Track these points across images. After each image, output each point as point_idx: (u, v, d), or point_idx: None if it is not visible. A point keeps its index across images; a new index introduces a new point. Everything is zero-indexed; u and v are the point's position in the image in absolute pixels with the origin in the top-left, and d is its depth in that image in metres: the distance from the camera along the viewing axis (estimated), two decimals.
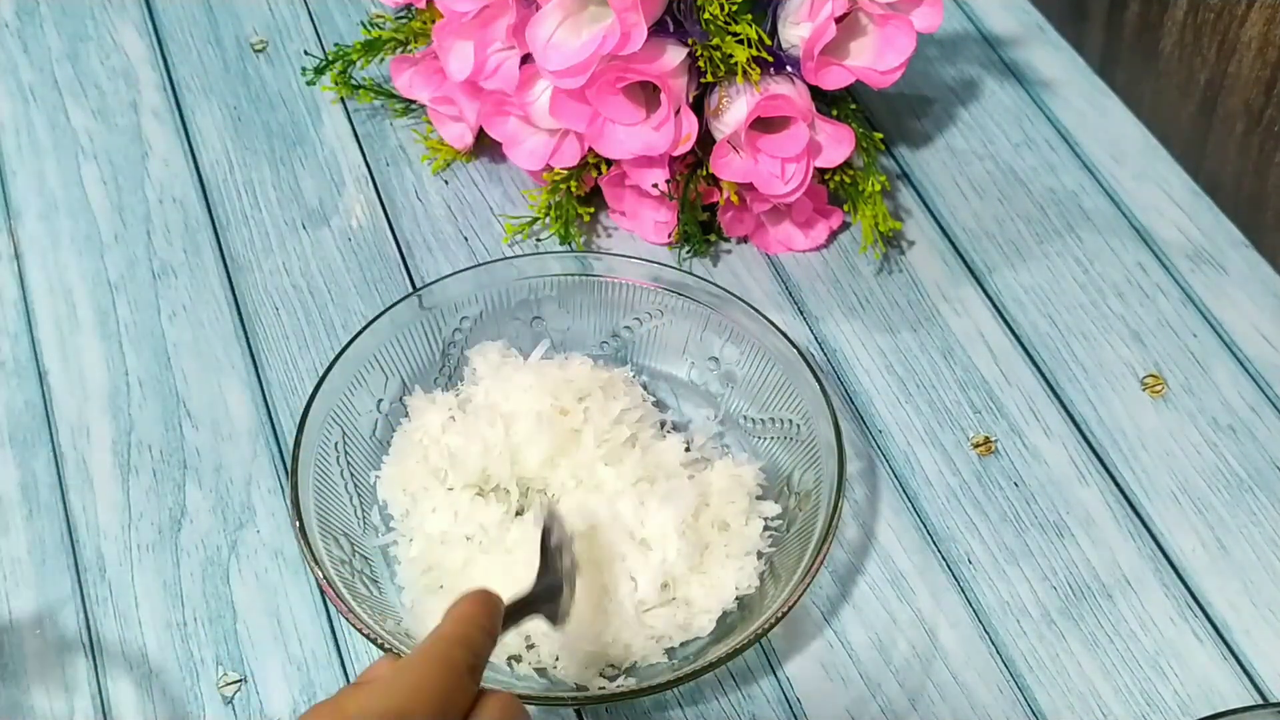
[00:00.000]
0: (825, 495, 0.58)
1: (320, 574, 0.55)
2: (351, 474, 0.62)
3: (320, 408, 0.60)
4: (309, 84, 0.80)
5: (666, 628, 0.58)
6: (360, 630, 0.54)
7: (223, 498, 0.65)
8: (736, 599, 0.59)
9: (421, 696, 0.40)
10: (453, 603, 0.45)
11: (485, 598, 0.45)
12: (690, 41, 0.66)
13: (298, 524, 0.56)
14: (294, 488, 0.57)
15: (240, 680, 0.59)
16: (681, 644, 0.59)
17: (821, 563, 0.55)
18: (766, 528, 0.61)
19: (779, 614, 0.54)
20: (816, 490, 0.59)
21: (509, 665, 0.58)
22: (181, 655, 0.60)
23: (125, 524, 0.64)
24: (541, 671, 0.58)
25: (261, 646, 0.60)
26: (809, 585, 0.55)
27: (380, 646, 0.54)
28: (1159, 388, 0.68)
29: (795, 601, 0.54)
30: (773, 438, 0.64)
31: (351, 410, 0.62)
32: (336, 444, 0.61)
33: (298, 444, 0.58)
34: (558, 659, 0.57)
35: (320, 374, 0.61)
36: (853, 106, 0.72)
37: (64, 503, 0.65)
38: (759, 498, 0.62)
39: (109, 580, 0.62)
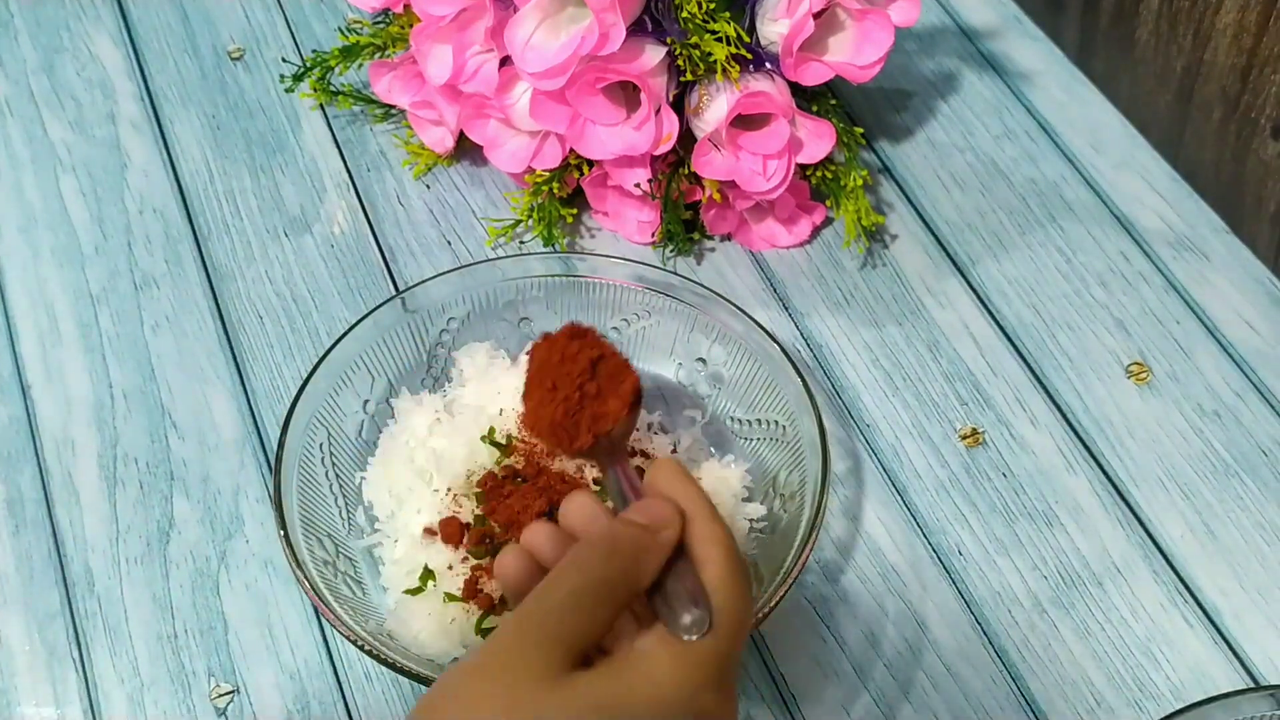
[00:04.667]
0: (810, 496, 0.58)
1: (301, 574, 0.55)
2: (337, 475, 0.62)
3: (304, 409, 0.60)
4: (288, 91, 0.80)
5: None
6: (340, 631, 0.54)
7: (210, 508, 0.64)
8: None
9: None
10: (665, 477, 0.44)
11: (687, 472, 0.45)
12: (669, 40, 0.66)
13: (280, 524, 0.56)
14: (277, 489, 0.57)
15: (232, 691, 0.59)
16: None
17: (804, 565, 0.55)
18: (751, 530, 0.61)
19: (761, 614, 0.54)
20: (801, 491, 0.59)
21: None
22: (173, 667, 0.60)
23: (113, 537, 0.63)
24: None
25: (253, 657, 0.60)
26: (790, 587, 0.55)
27: (360, 648, 0.54)
28: (1144, 375, 0.69)
29: (776, 604, 0.54)
30: (759, 439, 0.64)
31: (337, 412, 0.62)
32: (321, 445, 0.61)
33: (281, 445, 0.58)
34: None
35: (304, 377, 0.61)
36: (832, 102, 0.72)
37: (50, 517, 0.64)
38: (745, 499, 0.62)
39: (98, 594, 0.62)
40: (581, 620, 0.40)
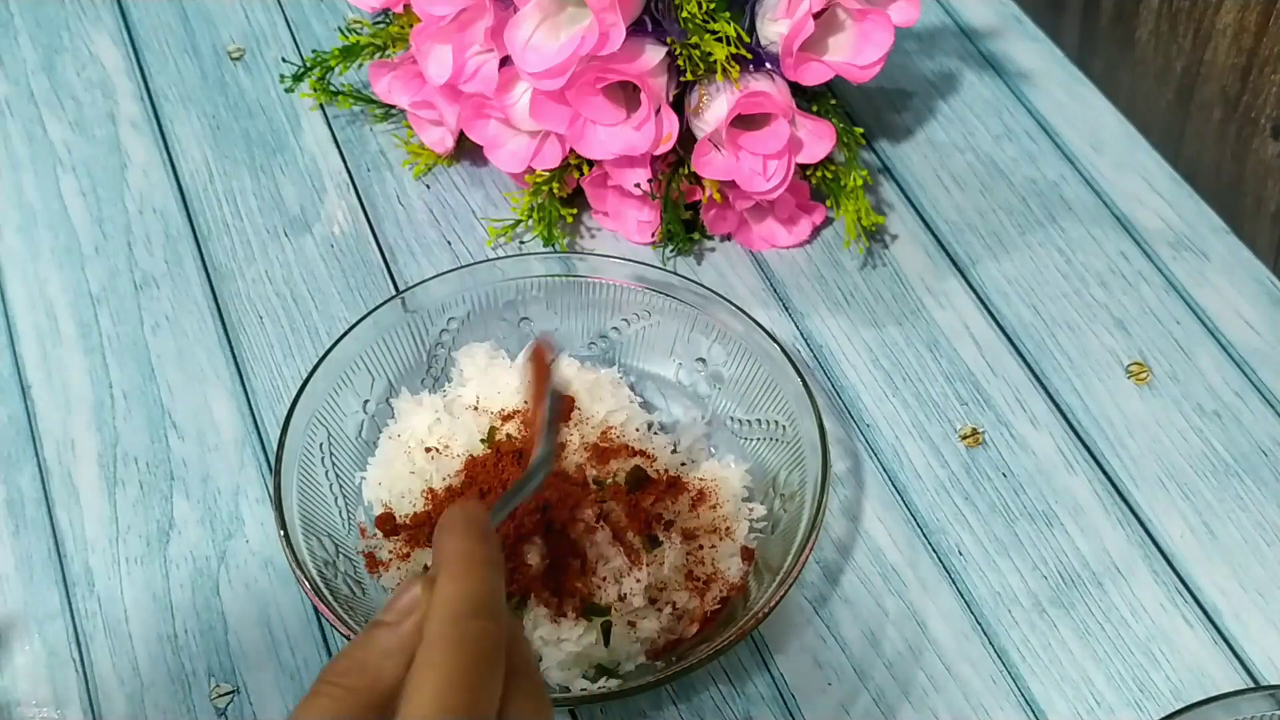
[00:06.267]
0: (810, 496, 0.58)
1: (301, 574, 0.55)
2: (337, 475, 0.62)
3: (304, 409, 0.60)
4: (287, 91, 0.80)
5: (652, 630, 0.57)
6: (340, 631, 0.54)
7: (210, 508, 0.64)
8: (721, 600, 0.59)
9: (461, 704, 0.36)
10: (437, 536, 0.40)
11: (473, 526, 0.40)
12: (669, 40, 0.66)
13: (280, 524, 0.56)
14: (277, 489, 0.57)
15: (232, 692, 0.59)
16: (666, 645, 0.58)
17: (804, 564, 0.55)
18: (752, 529, 0.61)
19: (759, 615, 0.54)
20: (801, 491, 0.59)
21: None
22: (173, 667, 0.60)
23: (113, 537, 0.63)
24: None
25: (253, 657, 0.60)
26: (790, 588, 0.55)
27: None
28: (1144, 375, 0.69)
29: (776, 604, 0.54)
30: (760, 439, 0.64)
31: (337, 411, 0.62)
32: (321, 445, 0.61)
33: (281, 445, 0.58)
34: (540, 660, 0.57)
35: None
36: (832, 102, 0.72)
37: (50, 517, 0.64)
38: (745, 499, 0.62)
39: (98, 594, 0.62)
40: None
